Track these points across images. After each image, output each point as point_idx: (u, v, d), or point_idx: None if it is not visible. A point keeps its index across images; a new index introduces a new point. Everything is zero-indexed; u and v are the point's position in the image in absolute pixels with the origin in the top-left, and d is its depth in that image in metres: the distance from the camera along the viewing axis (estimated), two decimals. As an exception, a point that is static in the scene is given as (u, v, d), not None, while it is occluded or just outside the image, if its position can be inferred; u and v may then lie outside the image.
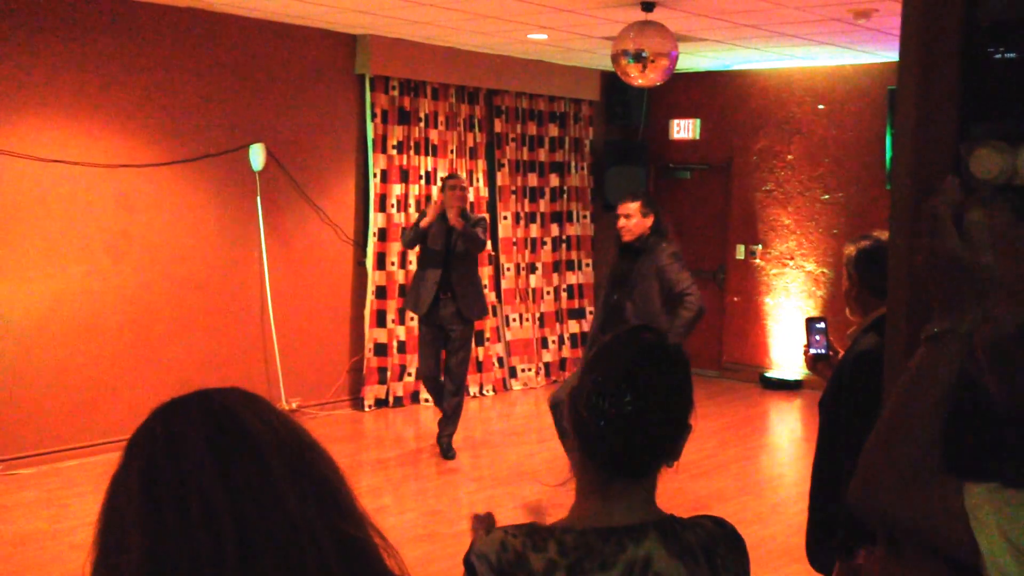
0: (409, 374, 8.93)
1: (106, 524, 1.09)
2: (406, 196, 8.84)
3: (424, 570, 5.11)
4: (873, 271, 3.00)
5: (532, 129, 9.93)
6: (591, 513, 1.65)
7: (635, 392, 1.61)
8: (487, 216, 8.01)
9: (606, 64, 8.47)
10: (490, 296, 9.50)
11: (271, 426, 1.11)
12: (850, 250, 3.16)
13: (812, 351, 3.41)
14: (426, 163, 9.00)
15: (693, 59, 9.31)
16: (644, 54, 6.69)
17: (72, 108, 6.89)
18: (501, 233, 9.70)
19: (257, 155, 7.77)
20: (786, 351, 9.97)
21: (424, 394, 8.98)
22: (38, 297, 6.77)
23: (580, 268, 10.41)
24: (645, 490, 1.67)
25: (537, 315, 10.02)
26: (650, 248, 5.94)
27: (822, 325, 3.40)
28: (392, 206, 8.74)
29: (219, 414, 1.11)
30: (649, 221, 5.96)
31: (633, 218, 5.95)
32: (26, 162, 6.67)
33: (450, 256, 7.06)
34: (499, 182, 9.67)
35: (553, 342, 10.14)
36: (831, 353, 3.40)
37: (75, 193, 6.92)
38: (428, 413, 8.74)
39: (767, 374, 10.01)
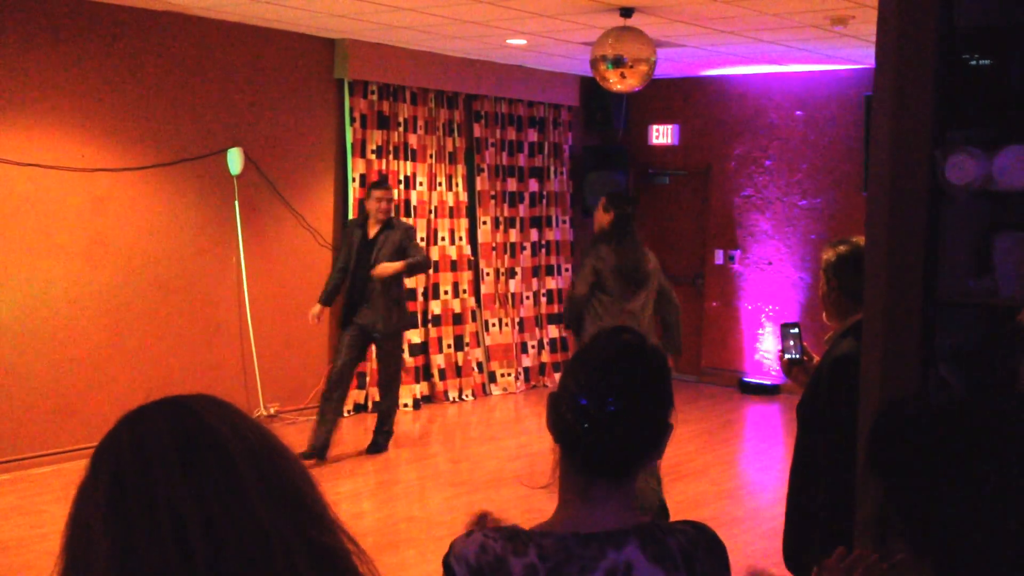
0: (388, 379, 8.91)
1: (73, 534, 1.08)
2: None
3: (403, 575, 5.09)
4: (851, 276, 3.01)
5: (511, 134, 9.94)
6: (572, 517, 1.65)
7: (618, 393, 1.61)
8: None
9: (585, 69, 8.49)
10: (469, 301, 9.50)
11: (240, 433, 1.10)
12: (829, 254, 3.18)
13: (787, 356, 3.42)
14: (405, 168, 8.99)
15: (672, 65, 9.34)
16: (623, 59, 6.71)
17: (47, 111, 6.84)
18: (480, 238, 9.69)
19: (235, 159, 7.74)
20: (764, 356, 10.01)
21: (403, 398, 8.97)
22: (13, 302, 6.71)
23: (560, 273, 10.42)
24: (625, 494, 1.67)
25: (516, 320, 10.02)
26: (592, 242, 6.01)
27: (796, 330, 3.42)
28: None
29: (187, 421, 1.10)
30: (607, 218, 5.91)
31: (597, 211, 5.99)
32: (1, 166, 6.62)
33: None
34: (478, 187, 9.67)
35: (532, 347, 10.14)
36: (805, 358, 3.42)
37: (51, 197, 6.87)
38: (407, 418, 8.72)
39: (745, 379, 10.04)
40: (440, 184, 9.28)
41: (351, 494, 6.56)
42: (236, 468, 1.07)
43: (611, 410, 1.61)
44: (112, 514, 1.05)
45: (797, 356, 3.41)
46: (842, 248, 3.14)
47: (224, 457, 1.08)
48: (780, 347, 3.44)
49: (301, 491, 1.11)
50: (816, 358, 3.37)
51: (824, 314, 3.23)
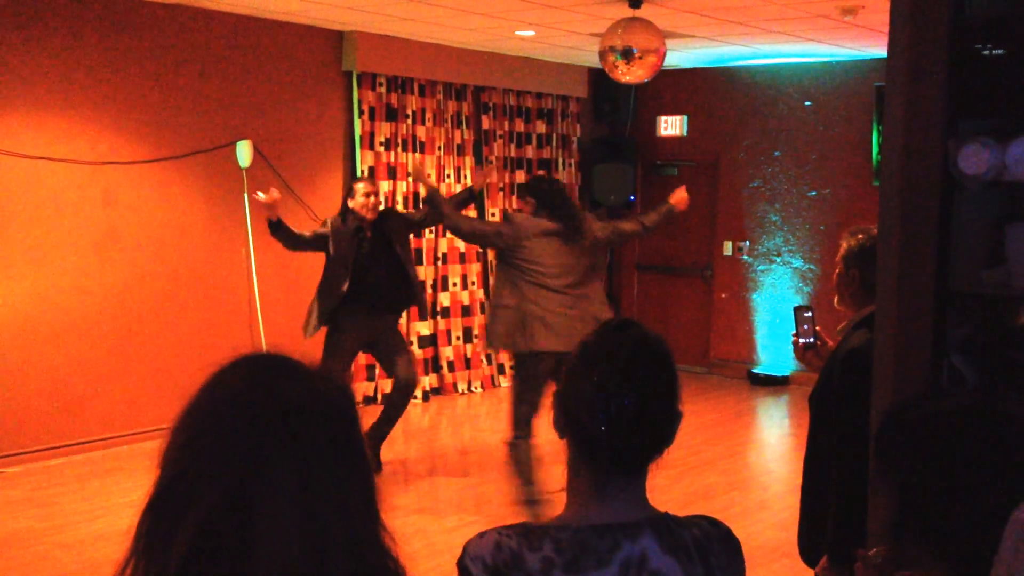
0: (397, 371, 8.91)
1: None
2: (394, 193, 8.83)
3: (413, 567, 5.09)
4: (872, 267, 2.98)
5: (520, 126, 9.93)
6: (586, 511, 1.64)
7: (634, 390, 1.61)
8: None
9: (594, 61, 8.48)
10: (478, 293, 9.50)
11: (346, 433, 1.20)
12: (851, 243, 3.14)
13: (801, 340, 3.40)
14: (414, 160, 8.99)
15: (680, 56, 9.32)
16: (632, 51, 6.69)
17: (57, 105, 6.85)
18: (489, 230, 9.68)
19: (244, 152, 7.74)
20: (773, 347, 9.99)
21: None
22: (24, 294, 6.74)
23: (568, 265, 10.40)
24: (638, 486, 1.67)
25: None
26: None
27: (809, 314, 3.40)
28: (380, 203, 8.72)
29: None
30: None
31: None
32: (12, 159, 6.63)
33: None
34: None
35: (541, 339, 10.12)
36: (819, 342, 3.41)
37: (61, 190, 6.89)
38: (416, 410, 8.73)
39: (754, 370, 10.03)
40: (448, 176, 9.28)
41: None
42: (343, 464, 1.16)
43: (628, 407, 1.60)
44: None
45: (811, 340, 3.39)
46: (862, 237, 3.10)
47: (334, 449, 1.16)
48: (794, 331, 3.43)
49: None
50: (830, 342, 3.36)
51: (836, 299, 3.22)
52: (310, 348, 8.59)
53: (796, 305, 3.54)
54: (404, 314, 8.92)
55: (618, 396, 1.60)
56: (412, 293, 6.72)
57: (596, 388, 1.61)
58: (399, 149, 8.87)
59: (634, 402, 1.60)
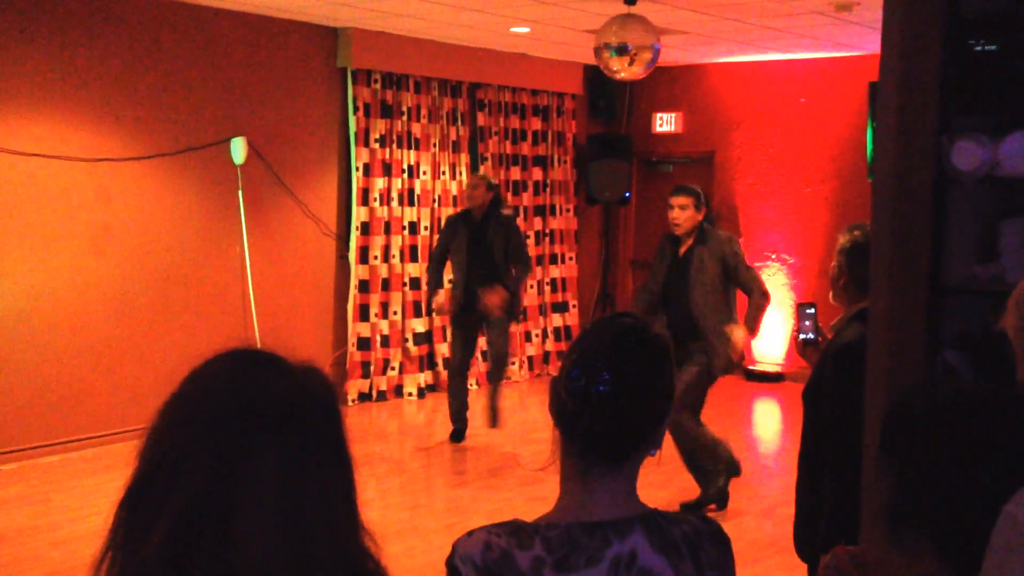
0: (392, 368, 8.92)
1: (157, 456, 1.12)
2: (389, 190, 8.82)
3: (407, 564, 5.10)
4: (861, 264, 2.99)
5: (515, 123, 9.92)
6: (574, 506, 1.64)
7: (611, 372, 1.60)
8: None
9: (589, 57, 8.46)
10: (473, 290, 9.49)
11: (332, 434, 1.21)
12: (844, 239, 3.16)
13: (802, 336, 3.42)
14: (409, 157, 8.98)
15: (676, 52, 9.32)
16: (627, 47, 6.69)
17: (52, 102, 6.84)
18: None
19: (238, 149, 7.73)
20: (769, 344, 9.99)
21: (408, 387, 8.97)
22: (19, 292, 6.72)
23: (564, 262, 10.42)
24: (627, 480, 1.66)
25: (520, 309, 10.00)
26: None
27: (812, 311, 3.42)
28: (375, 200, 8.72)
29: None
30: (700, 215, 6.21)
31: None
32: (5, 156, 6.62)
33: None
34: (482, 176, 9.66)
35: (536, 336, 10.14)
36: (820, 339, 3.42)
37: (55, 187, 6.88)
38: (412, 407, 8.73)
39: (750, 366, 10.03)
40: (444, 173, 9.27)
41: (356, 483, 6.56)
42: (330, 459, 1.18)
43: (603, 389, 1.60)
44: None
45: (812, 337, 3.40)
46: (856, 234, 3.11)
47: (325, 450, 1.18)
48: (795, 327, 3.44)
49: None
50: (831, 337, 3.37)
51: (831, 294, 3.23)
52: (302, 344, 8.60)
53: (800, 303, 3.56)
54: (399, 311, 8.96)
55: (592, 374, 1.60)
56: None
57: (573, 366, 1.62)
58: (394, 146, 8.87)
59: (610, 384, 1.60)
